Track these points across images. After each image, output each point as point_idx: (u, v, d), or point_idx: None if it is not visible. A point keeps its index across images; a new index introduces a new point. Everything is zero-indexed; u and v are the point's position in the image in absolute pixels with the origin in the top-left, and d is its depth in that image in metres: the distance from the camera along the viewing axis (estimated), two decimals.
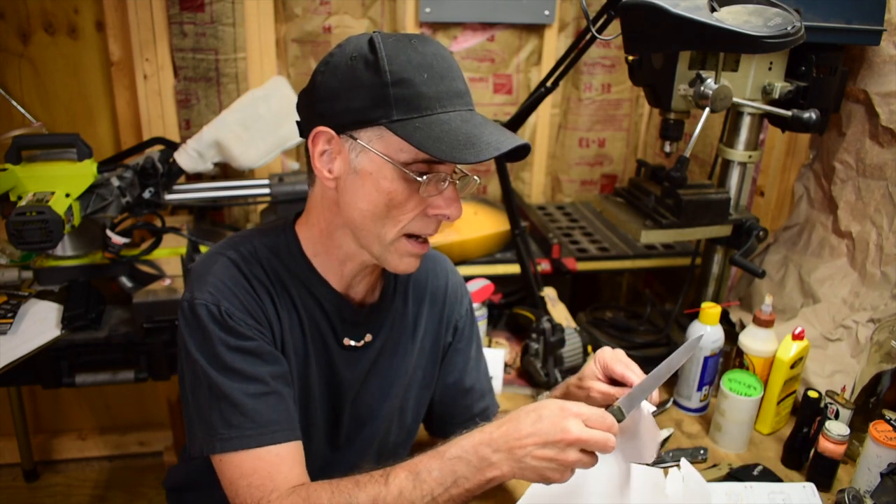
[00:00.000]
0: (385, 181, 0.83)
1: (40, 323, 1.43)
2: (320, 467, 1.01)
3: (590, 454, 0.77)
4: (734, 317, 1.55)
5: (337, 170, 0.85)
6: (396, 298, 1.04)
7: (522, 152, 0.84)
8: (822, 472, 1.16)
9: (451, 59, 0.84)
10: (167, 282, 1.52)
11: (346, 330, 0.98)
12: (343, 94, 0.82)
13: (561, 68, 1.37)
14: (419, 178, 0.82)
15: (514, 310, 1.62)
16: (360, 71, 0.80)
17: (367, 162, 0.83)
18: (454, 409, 1.13)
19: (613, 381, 0.96)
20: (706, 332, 1.31)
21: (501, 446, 0.77)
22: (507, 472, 0.78)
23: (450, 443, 0.81)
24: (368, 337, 1.00)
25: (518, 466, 0.77)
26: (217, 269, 0.89)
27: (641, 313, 1.71)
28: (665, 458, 1.23)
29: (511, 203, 1.56)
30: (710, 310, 1.31)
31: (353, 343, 0.98)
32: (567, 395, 1.02)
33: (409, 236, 0.88)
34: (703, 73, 1.24)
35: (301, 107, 0.89)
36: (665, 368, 0.86)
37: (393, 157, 0.81)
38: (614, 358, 0.95)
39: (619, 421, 0.80)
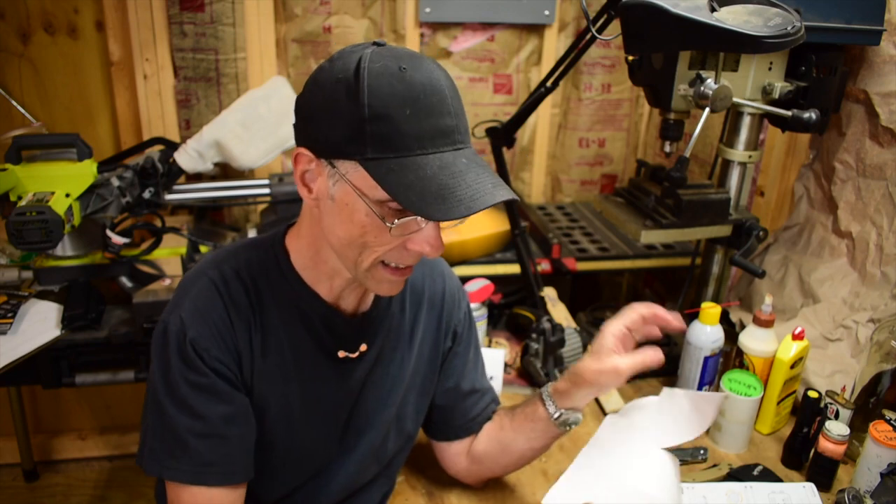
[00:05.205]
0: (359, 214, 0.79)
1: (40, 323, 1.43)
2: (319, 476, 1.01)
3: None
4: (734, 317, 1.55)
5: (317, 191, 0.83)
6: (392, 305, 1.02)
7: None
8: (822, 472, 1.16)
9: (443, 90, 0.77)
10: (167, 282, 1.52)
11: (339, 342, 0.96)
12: (323, 119, 0.78)
13: (561, 68, 1.37)
14: (389, 224, 0.78)
15: (514, 310, 1.62)
16: (341, 98, 0.75)
17: (343, 192, 0.79)
18: (454, 411, 1.12)
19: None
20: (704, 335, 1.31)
21: None
22: None
23: None
24: (363, 347, 0.98)
25: None
26: (195, 292, 0.88)
27: None
28: None
29: (511, 203, 1.56)
30: (710, 310, 1.31)
31: (347, 354, 0.97)
32: (580, 382, 0.98)
33: (387, 264, 0.85)
34: (703, 73, 1.24)
35: (295, 113, 0.87)
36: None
37: (367, 193, 0.77)
38: (651, 313, 1.00)
39: None
